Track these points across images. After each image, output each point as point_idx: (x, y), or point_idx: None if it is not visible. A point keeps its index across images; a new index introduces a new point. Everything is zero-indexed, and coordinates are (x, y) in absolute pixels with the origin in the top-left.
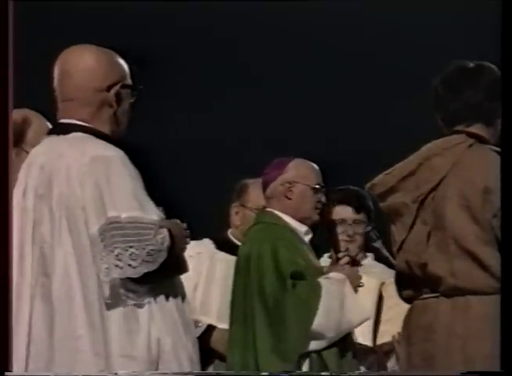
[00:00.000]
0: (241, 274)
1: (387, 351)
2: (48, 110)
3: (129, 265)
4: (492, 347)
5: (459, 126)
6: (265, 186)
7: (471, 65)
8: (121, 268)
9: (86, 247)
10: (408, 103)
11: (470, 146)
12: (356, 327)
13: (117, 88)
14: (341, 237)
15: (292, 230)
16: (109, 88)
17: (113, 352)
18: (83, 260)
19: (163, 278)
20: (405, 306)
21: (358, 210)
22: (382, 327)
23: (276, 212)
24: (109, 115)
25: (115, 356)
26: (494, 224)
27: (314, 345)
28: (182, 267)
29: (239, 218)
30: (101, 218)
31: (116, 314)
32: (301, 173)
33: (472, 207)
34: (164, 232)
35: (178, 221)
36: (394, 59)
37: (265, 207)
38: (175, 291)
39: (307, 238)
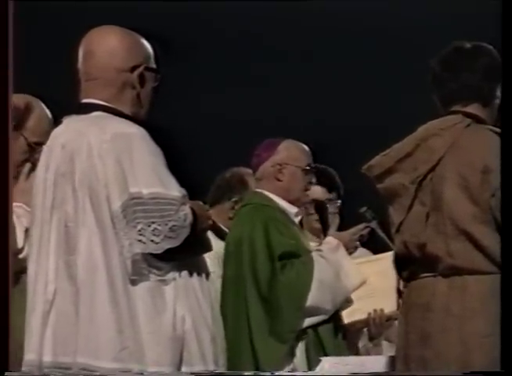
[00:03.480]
0: (232, 257)
1: (358, 329)
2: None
3: (152, 240)
4: (488, 326)
5: (455, 106)
6: (255, 168)
7: (469, 45)
8: (144, 243)
9: (109, 224)
10: (401, 85)
11: (468, 126)
12: (352, 292)
13: (140, 69)
14: (315, 218)
15: (282, 211)
16: (132, 70)
17: (138, 329)
18: (106, 237)
19: (186, 256)
20: (379, 285)
21: (330, 189)
22: (354, 305)
23: (267, 193)
24: (131, 96)
25: (140, 333)
26: (492, 203)
27: (313, 320)
28: (206, 246)
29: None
30: (123, 195)
31: (141, 291)
32: (291, 155)
33: (470, 187)
34: (187, 209)
35: (201, 202)
36: (387, 43)
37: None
38: (199, 269)
39: (297, 219)
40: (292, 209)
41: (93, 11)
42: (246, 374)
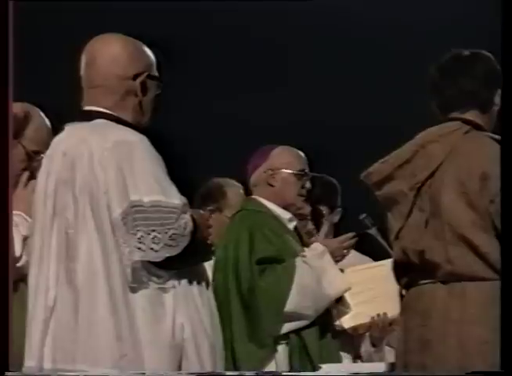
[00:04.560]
0: (220, 263)
1: (361, 333)
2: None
3: (151, 248)
4: (487, 333)
5: (454, 113)
6: (249, 175)
7: (467, 53)
8: (144, 251)
9: (109, 231)
10: (401, 91)
11: (466, 132)
12: (334, 299)
13: (142, 77)
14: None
15: (276, 217)
16: (135, 77)
17: (137, 336)
18: (106, 245)
19: (186, 264)
20: (381, 290)
21: (316, 202)
22: (355, 310)
23: (260, 199)
24: (133, 104)
25: (139, 341)
26: (491, 210)
27: (293, 325)
28: (206, 255)
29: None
30: (123, 203)
31: (140, 298)
32: (284, 160)
33: (469, 194)
34: (187, 217)
35: (202, 211)
36: (387, 49)
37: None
38: (199, 277)
39: (291, 225)
40: (285, 215)
41: (95, 18)
42: (248, 373)
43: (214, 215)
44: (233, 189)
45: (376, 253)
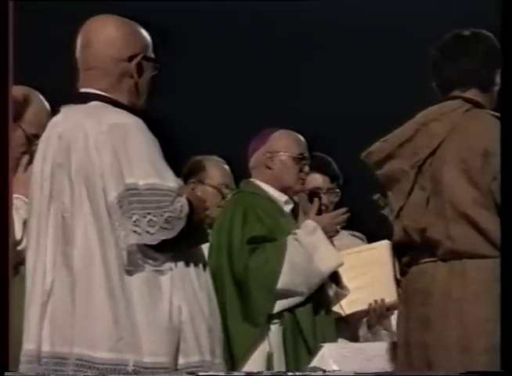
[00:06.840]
0: (214, 244)
1: (358, 319)
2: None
3: (147, 231)
4: (488, 310)
5: (455, 92)
6: (249, 158)
7: (468, 32)
8: (139, 234)
9: (105, 215)
10: (400, 73)
11: (467, 110)
12: (327, 275)
13: (138, 59)
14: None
15: (272, 200)
16: (130, 59)
17: (135, 319)
18: (102, 228)
19: (182, 247)
20: (377, 274)
21: (332, 178)
22: (352, 296)
23: (257, 182)
24: (129, 86)
25: (137, 324)
26: (493, 187)
27: (287, 303)
28: (202, 237)
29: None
30: (119, 186)
31: (137, 281)
32: (282, 143)
33: (471, 171)
34: (182, 200)
35: (198, 193)
36: (386, 32)
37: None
38: (196, 260)
39: (287, 208)
40: (282, 198)
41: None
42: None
43: (196, 186)
44: (212, 162)
45: (389, 233)
